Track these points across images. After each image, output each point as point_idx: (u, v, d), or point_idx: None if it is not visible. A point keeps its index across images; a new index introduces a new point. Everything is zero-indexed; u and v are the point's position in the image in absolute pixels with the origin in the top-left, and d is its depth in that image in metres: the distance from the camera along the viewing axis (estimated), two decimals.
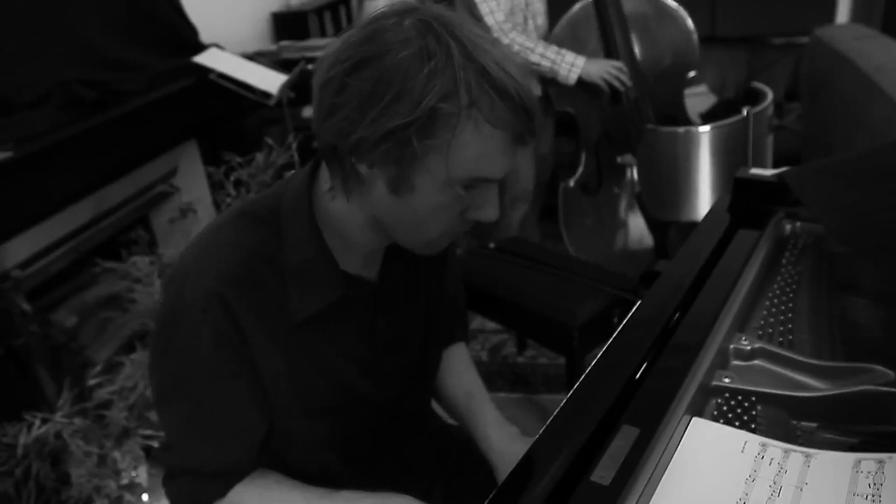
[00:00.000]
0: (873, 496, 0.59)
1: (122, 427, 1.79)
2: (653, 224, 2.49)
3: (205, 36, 2.60)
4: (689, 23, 2.41)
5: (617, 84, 2.29)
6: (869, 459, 0.63)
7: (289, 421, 0.90)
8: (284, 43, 3.25)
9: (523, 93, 0.73)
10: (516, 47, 2.27)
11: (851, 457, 0.64)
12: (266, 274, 0.83)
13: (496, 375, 2.40)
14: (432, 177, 0.75)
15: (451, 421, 1.17)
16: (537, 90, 2.43)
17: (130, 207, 2.28)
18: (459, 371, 1.14)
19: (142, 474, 1.87)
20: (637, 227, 2.56)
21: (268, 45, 3.34)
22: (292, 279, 0.84)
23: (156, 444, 1.87)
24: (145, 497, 1.94)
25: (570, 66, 2.28)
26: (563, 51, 2.30)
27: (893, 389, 0.69)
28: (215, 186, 2.26)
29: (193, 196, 2.37)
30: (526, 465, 0.64)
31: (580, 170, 2.56)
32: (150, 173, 2.34)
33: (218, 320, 0.81)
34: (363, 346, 0.94)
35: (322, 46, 3.12)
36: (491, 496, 0.63)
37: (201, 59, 2.41)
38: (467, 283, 1.98)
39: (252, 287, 0.82)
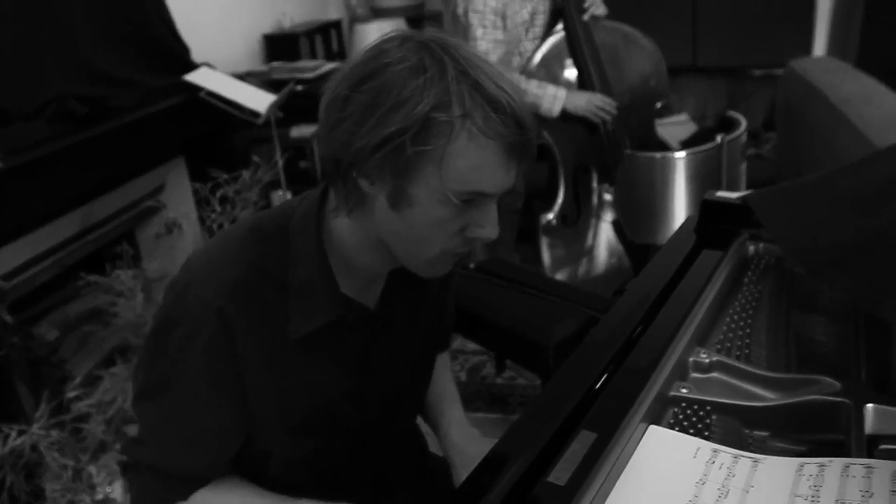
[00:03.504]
0: (813, 497, 0.62)
1: (99, 441, 1.79)
2: (630, 248, 2.54)
3: (198, 56, 2.65)
4: (657, 52, 2.49)
5: (603, 115, 2.36)
6: (811, 464, 0.66)
7: (269, 438, 0.91)
8: (275, 64, 3.31)
9: (516, 106, 0.75)
10: None
11: (796, 461, 0.67)
12: (267, 290, 0.85)
13: (474, 396, 2.42)
14: (429, 188, 0.76)
15: (433, 449, 1.19)
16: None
17: (116, 222, 2.30)
18: (436, 374, 1.15)
19: (117, 490, 1.86)
20: (615, 252, 2.61)
21: (259, 66, 3.39)
22: (293, 297, 0.86)
23: None
24: None
25: (553, 98, 2.33)
26: (544, 83, 2.36)
27: (839, 399, 0.73)
28: (201, 203, 2.29)
29: (179, 212, 2.40)
30: (486, 465, 0.66)
31: (559, 201, 2.61)
32: (138, 188, 2.37)
33: (213, 332, 0.82)
34: (353, 371, 0.94)
35: (312, 67, 3.18)
36: (453, 494, 0.65)
37: (192, 77, 2.45)
38: None
39: (252, 302, 0.84)
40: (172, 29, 2.55)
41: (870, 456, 0.68)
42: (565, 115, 2.36)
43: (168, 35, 2.52)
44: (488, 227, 0.82)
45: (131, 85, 2.25)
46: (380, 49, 0.77)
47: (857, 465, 0.64)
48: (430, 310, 1.04)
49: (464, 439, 1.04)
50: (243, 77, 2.84)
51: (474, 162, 0.75)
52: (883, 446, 0.70)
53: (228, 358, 0.84)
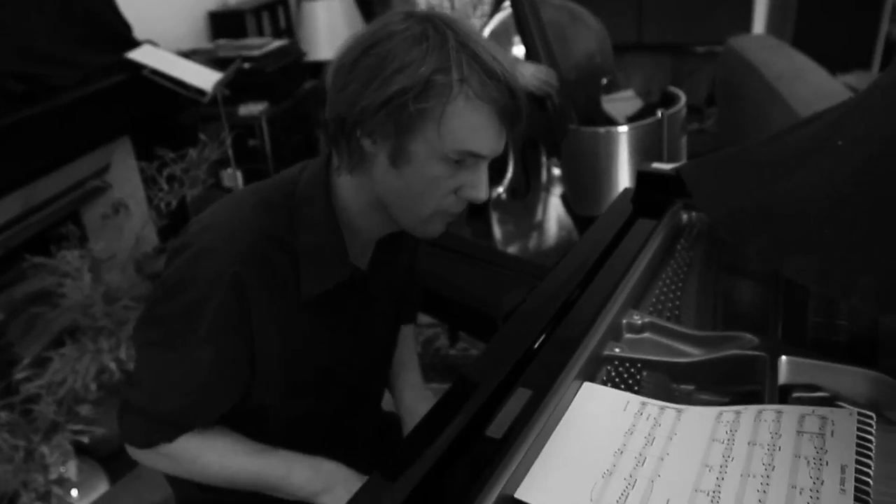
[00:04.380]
0: (728, 440, 0.67)
1: (50, 421, 1.78)
2: (579, 221, 2.61)
3: (140, 33, 2.59)
4: (603, 30, 2.54)
5: (546, 88, 2.39)
6: (729, 411, 0.71)
7: (269, 397, 0.96)
8: (221, 41, 3.25)
9: (509, 76, 0.83)
10: None
11: (715, 410, 0.73)
12: (277, 256, 0.89)
13: (429, 367, 2.47)
14: (428, 145, 0.83)
15: (387, 408, 1.24)
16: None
17: (61, 203, 2.26)
18: (399, 344, 1.21)
19: (71, 469, 1.86)
20: (564, 226, 2.67)
21: (204, 44, 3.32)
22: (304, 260, 0.91)
23: (86, 440, 1.86)
24: (74, 493, 1.93)
25: None
26: None
27: (756, 353, 0.79)
28: (148, 182, 2.26)
29: (126, 192, 2.36)
30: (429, 421, 0.70)
31: (509, 176, 2.66)
32: (82, 169, 2.32)
33: (225, 298, 0.86)
34: (347, 333, 1.01)
35: (259, 45, 3.13)
36: (398, 448, 0.69)
37: (135, 55, 2.40)
38: None
39: (264, 268, 0.88)
40: (112, 5, 2.49)
41: (783, 404, 0.74)
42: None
43: (108, 11, 2.46)
44: (480, 188, 0.88)
45: (71, 63, 2.19)
46: (385, 22, 0.84)
47: (769, 410, 0.70)
48: (401, 277, 1.12)
49: (416, 400, 1.12)
50: (188, 55, 2.79)
51: (470, 123, 0.82)
52: (795, 394, 0.76)
53: (239, 323, 0.88)
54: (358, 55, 0.82)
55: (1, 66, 1.95)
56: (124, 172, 2.49)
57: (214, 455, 0.93)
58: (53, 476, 1.76)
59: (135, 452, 0.95)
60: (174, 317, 0.89)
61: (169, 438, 0.92)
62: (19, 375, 1.78)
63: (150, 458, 0.95)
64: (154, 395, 0.92)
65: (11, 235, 2.07)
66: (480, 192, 0.88)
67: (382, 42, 0.81)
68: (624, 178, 2.34)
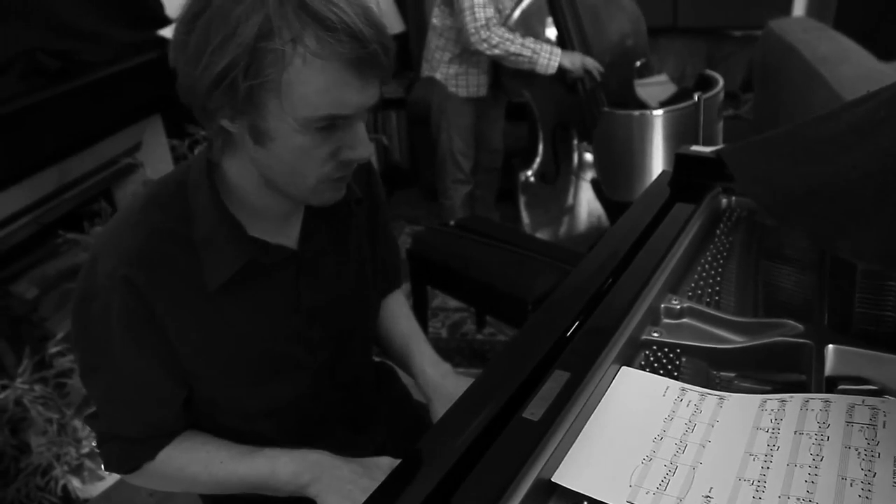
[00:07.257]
0: (773, 429, 0.65)
1: (83, 395, 1.81)
2: (610, 207, 2.57)
3: (172, 10, 2.59)
4: (637, 12, 2.49)
5: (587, 77, 2.38)
6: (773, 399, 0.69)
7: (217, 391, 0.93)
8: None
9: (350, 21, 0.71)
10: (496, 39, 2.34)
11: (758, 398, 0.70)
12: (173, 249, 0.85)
13: (455, 352, 2.46)
14: (280, 120, 0.75)
15: (405, 381, 1.21)
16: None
17: (93, 180, 2.28)
18: (396, 315, 1.18)
19: None
20: (595, 212, 2.64)
21: None
22: (202, 249, 0.85)
23: None
24: None
25: (550, 55, 2.36)
26: (541, 41, 2.37)
27: (801, 340, 0.76)
28: (179, 160, 2.27)
29: (157, 171, 2.37)
30: (464, 402, 0.69)
31: (538, 159, 2.63)
32: (114, 146, 2.33)
33: (124, 299, 0.83)
34: (290, 313, 0.95)
35: None
36: (432, 428, 0.68)
37: (167, 32, 2.41)
38: (427, 259, 2.04)
39: (157, 264, 0.84)
40: None
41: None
42: (559, 73, 2.38)
43: None
44: (359, 148, 0.81)
45: (104, 40, 2.20)
46: None
47: (816, 399, 0.67)
48: (359, 241, 1.04)
49: (440, 376, 1.06)
50: None
51: (317, 86, 0.73)
52: (841, 386, 0.73)
53: (146, 320, 0.85)
54: (186, 31, 0.73)
55: (36, 41, 1.97)
56: (156, 150, 2.51)
57: (199, 465, 0.91)
58: (86, 450, 1.79)
59: (126, 477, 0.94)
60: (92, 333, 0.86)
61: (150, 456, 0.91)
62: (52, 350, 1.80)
63: (141, 479, 0.94)
64: (112, 418, 0.90)
65: (46, 211, 2.10)
66: (360, 152, 0.81)
67: (205, 9, 0.71)
68: (658, 164, 2.31)
